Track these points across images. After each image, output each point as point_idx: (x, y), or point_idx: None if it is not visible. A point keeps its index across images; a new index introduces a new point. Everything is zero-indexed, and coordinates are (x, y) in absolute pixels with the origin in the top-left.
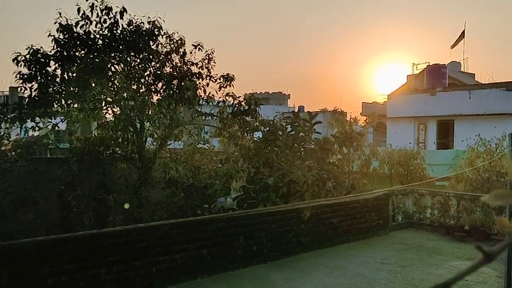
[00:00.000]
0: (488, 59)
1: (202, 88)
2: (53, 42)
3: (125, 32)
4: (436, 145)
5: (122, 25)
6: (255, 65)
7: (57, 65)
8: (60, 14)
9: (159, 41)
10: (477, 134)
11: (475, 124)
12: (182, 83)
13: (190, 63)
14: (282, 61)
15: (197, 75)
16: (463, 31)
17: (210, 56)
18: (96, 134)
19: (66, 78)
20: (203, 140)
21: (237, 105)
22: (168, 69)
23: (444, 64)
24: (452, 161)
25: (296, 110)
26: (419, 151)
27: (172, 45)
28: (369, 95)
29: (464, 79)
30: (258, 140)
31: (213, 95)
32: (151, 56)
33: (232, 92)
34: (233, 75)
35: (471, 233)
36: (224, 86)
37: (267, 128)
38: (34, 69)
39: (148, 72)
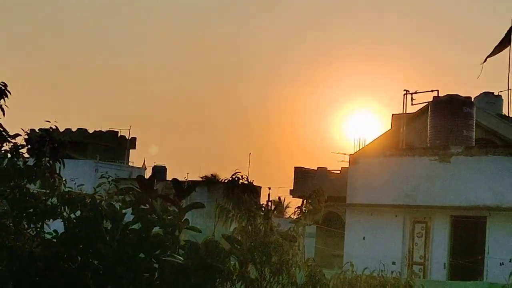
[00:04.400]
0: None
1: None
2: None
3: None
4: (447, 268)
5: None
6: (59, 72)
7: None
8: None
9: None
10: None
11: None
12: None
13: None
14: (121, 71)
15: None
16: (509, 32)
17: None
18: None
19: None
20: None
21: (10, 153)
22: None
23: (469, 98)
24: None
25: (149, 174)
26: (412, 281)
27: None
28: (318, 153)
29: (507, 133)
30: (54, 239)
31: None
32: None
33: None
34: (5, 84)
35: None
36: None
37: (78, 212)
38: None
39: None
